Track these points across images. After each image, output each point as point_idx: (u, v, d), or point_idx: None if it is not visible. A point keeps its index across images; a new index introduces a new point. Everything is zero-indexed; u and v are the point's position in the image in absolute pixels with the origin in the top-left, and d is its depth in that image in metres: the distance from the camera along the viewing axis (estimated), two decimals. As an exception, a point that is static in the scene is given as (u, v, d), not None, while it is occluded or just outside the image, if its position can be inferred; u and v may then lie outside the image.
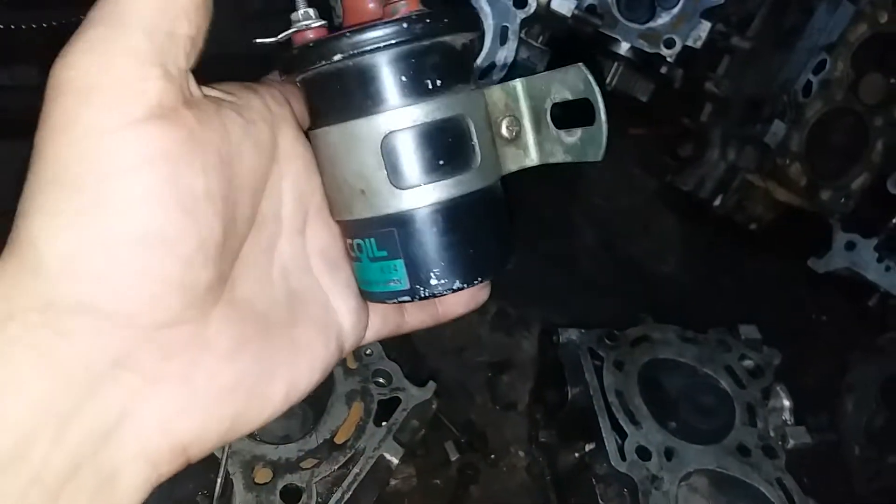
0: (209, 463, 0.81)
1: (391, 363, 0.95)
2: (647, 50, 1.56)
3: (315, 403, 0.89)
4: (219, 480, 0.69)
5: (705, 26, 1.54)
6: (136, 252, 0.31)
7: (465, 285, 0.41)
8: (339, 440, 0.85)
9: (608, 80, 1.62)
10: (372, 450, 0.85)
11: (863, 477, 1.40)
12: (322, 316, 0.40)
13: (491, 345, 1.39)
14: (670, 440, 1.02)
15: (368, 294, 0.43)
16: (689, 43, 1.54)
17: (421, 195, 0.39)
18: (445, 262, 0.40)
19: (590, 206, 1.70)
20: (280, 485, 0.80)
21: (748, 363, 1.15)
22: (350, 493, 0.83)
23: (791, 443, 1.07)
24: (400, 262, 0.40)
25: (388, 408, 0.91)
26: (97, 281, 0.31)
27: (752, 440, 1.05)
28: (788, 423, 1.09)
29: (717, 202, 1.63)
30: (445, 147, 0.40)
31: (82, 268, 0.31)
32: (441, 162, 0.39)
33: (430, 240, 0.40)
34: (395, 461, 0.85)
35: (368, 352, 0.94)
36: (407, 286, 0.41)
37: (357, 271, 0.43)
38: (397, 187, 0.39)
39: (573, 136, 0.43)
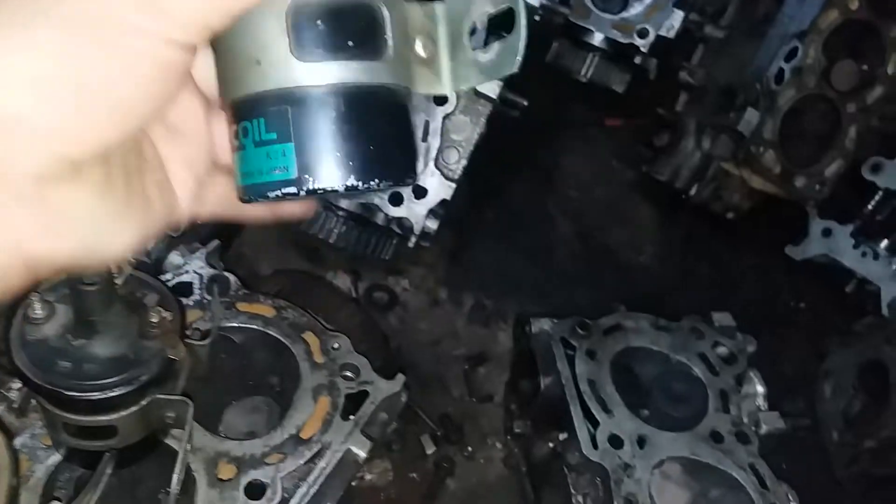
0: (172, 460, 0.80)
1: (359, 357, 0.94)
2: (621, 40, 1.55)
3: (281, 398, 0.88)
4: (175, 476, 0.68)
5: (678, 16, 1.53)
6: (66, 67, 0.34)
7: (359, 183, 0.37)
8: (305, 435, 0.84)
9: (584, 71, 1.62)
10: (339, 444, 0.84)
11: (841, 462, 1.40)
12: (165, 183, 0.42)
13: (467, 337, 1.38)
14: (643, 428, 1.02)
15: (248, 188, 0.40)
16: (663, 33, 1.54)
17: (324, 71, 0.36)
18: (341, 152, 0.37)
19: (565, 198, 1.69)
20: (244, 481, 0.78)
21: (722, 350, 1.15)
22: (316, 487, 0.81)
23: (764, 428, 1.06)
24: (290, 147, 0.37)
25: (356, 401, 0.90)
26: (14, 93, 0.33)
27: (726, 426, 1.04)
28: (762, 408, 1.09)
29: (692, 191, 1.63)
30: (357, 28, 0.37)
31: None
32: (350, 43, 0.36)
33: (327, 124, 0.37)
34: (363, 455, 0.84)
35: (336, 346, 0.93)
36: (294, 175, 0.37)
37: (238, 162, 0.40)
38: (298, 59, 0.36)
39: (489, 53, 0.40)
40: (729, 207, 1.69)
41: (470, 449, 1.23)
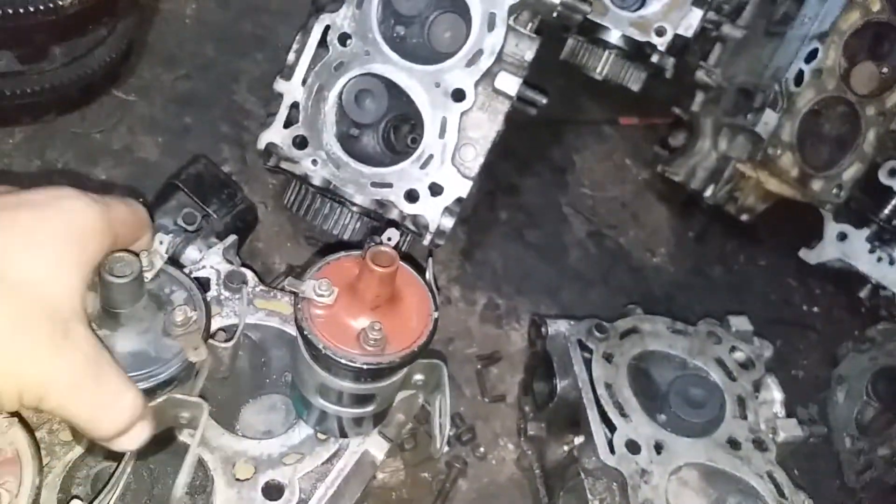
0: (189, 459, 0.79)
1: (377, 356, 0.93)
2: (638, 38, 1.53)
3: (298, 397, 0.87)
4: (181, 478, 0.67)
5: (697, 14, 1.51)
6: None
7: None
8: (322, 435, 0.83)
9: (599, 69, 1.60)
10: (356, 445, 0.83)
11: (854, 469, 1.39)
12: None
13: (480, 336, 1.37)
14: (660, 433, 1.01)
15: None
16: (681, 31, 1.52)
17: None
18: None
19: (579, 197, 1.68)
20: (262, 481, 0.78)
21: (739, 355, 1.14)
22: (334, 488, 0.81)
23: (782, 436, 1.05)
24: None
25: (373, 402, 0.89)
26: None
27: (743, 433, 1.04)
28: (779, 415, 1.08)
29: (708, 192, 1.61)
30: None
31: None
32: None
33: None
34: (381, 456, 0.84)
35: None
36: None
37: None
38: None
39: None
40: (743, 209, 1.67)
41: (482, 449, 1.22)
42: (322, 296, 0.72)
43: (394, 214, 1.21)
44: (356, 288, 0.73)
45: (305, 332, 0.71)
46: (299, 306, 0.73)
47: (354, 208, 1.26)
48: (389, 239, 0.78)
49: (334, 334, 0.72)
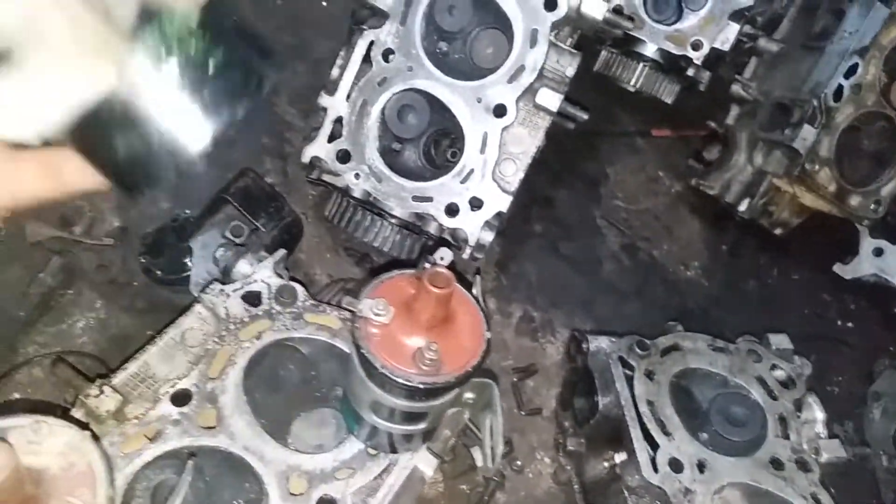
0: (244, 471, 0.81)
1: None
2: (674, 52, 1.53)
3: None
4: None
5: (733, 28, 1.51)
6: None
7: None
8: (373, 451, 0.84)
9: (633, 81, 1.60)
10: (406, 460, 0.84)
11: (890, 487, 1.38)
12: None
13: (515, 349, 1.38)
14: (703, 452, 1.01)
15: None
16: (717, 45, 1.52)
17: None
18: None
19: (613, 209, 1.68)
20: (315, 495, 0.79)
21: (779, 373, 1.13)
22: None
23: (825, 456, 1.05)
24: None
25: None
26: None
27: (786, 453, 1.03)
28: (822, 435, 1.08)
29: (742, 206, 1.61)
30: None
31: None
32: None
33: None
34: (430, 472, 0.85)
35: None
36: None
37: None
38: None
39: None
40: (777, 223, 1.67)
41: (519, 463, 1.22)
42: (379, 315, 0.73)
43: (432, 227, 1.23)
44: (412, 307, 0.74)
45: (363, 351, 0.72)
46: (356, 325, 0.74)
47: (393, 220, 1.27)
48: (442, 258, 0.79)
49: (391, 353, 0.73)
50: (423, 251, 1.30)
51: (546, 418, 1.29)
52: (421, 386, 0.72)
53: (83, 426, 0.62)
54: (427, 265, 0.76)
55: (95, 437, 0.63)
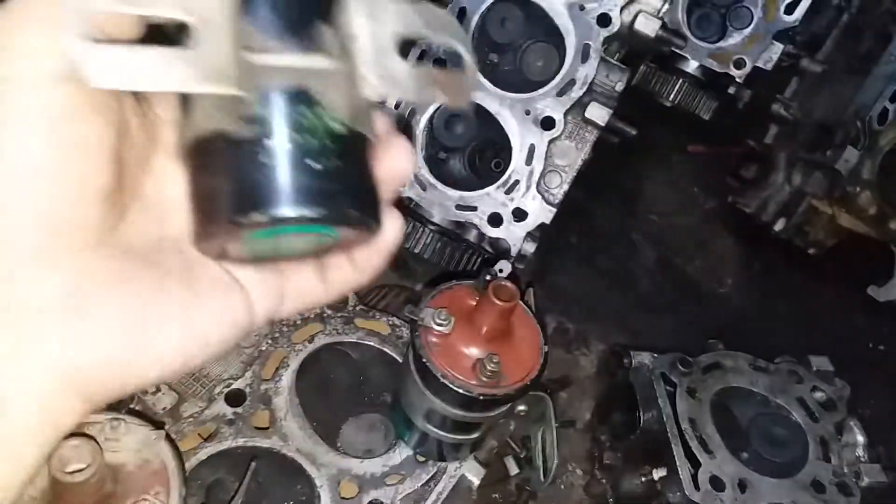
0: (296, 474, 0.82)
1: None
2: (717, 69, 1.54)
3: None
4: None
5: (777, 48, 1.51)
6: (23, 180, 0.32)
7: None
8: (422, 457, 0.85)
9: (671, 96, 1.60)
10: (454, 469, 0.85)
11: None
12: (222, 278, 0.39)
13: (550, 361, 1.38)
14: (744, 471, 1.01)
15: None
16: (760, 64, 1.52)
17: None
18: None
19: (647, 223, 1.68)
20: (365, 500, 0.80)
21: (820, 395, 1.13)
22: (432, 511, 0.83)
23: (866, 480, 1.05)
24: None
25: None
26: None
27: (827, 476, 1.03)
28: (862, 459, 1.07)
29: (778, 226, 1.60)
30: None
31: None
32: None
33: None
34: (477, 481, 0.85)
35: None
36: None
37: None
38: None
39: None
40: (812, 243, 1.66)
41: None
42: (441, 325, 0.74)
43: (471, 235, 1.23)
44: (472, 318, 0.75)
45: (424, 360, 0.73)
46: (417, 333, 0.75)
47: (433, 227, 1.28)
48: (501, 271, 0.79)
49: (450, 363, 0.73)
50: (464, 260, 1.31)
51: (579, 430, 1.30)
52: (480, 397, 0.72)
53: (157, 425, 0.63)
54: (488, 277, 0.77)
55: (169, 437, 0.64)
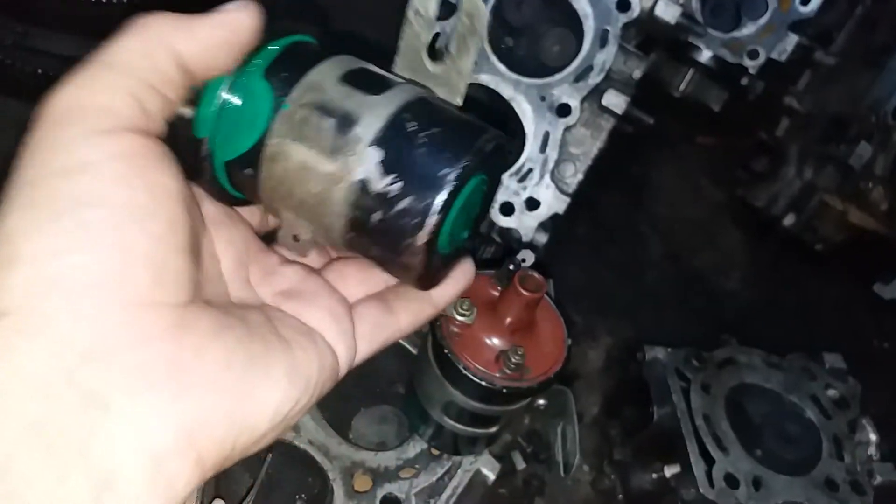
0: (308, 467, 0.79)
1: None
2: (730, 60, 1.51)
3: (408, 410, 0.87)
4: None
5: (792, 39, 1.49)
6: (106, 230, 0.31)
7: None
8: (436, 451, 0.83)
9: (681, 86, 1.58)
10: (469, 463, 0.82)
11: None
12: (301, 326, 0.40)
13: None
14: (758, 469, 0.99)
15: None
16: (774, 55, 1.50)
17: None
18: None
19: (655, 215, 1.66)
20: (380, 494, 0.77)
21: (833, 393, 1.12)
22: (447, 506, 0.81)
23: (878, 479, 1.04)
24: None
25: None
26: (70, 267, 0.30)
27: (840, 474, 1.02)
28: (875, 458, 1.06)
29: (788, 220, 1.59)
30: None
31: (55, 253, 0.30)
32: None
33: None
34: (492, 476, 0.83)
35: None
36: None
37: None
38: None
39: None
40: (820, 239, 1.65)
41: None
42: (464, 315, 0.71)
43: (481, 225, 1.21)
44: (496, 309, 0.72)
45: (445, 351, 0.70)
46: (438, 323, 0.72)
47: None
48: (524, 260, 0.77)
49: (472, 355, 0.71)
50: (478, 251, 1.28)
51: (585, 424, 1.28)
52: (504, 390, 0.70)
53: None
54: (511, 266, 0.74)
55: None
